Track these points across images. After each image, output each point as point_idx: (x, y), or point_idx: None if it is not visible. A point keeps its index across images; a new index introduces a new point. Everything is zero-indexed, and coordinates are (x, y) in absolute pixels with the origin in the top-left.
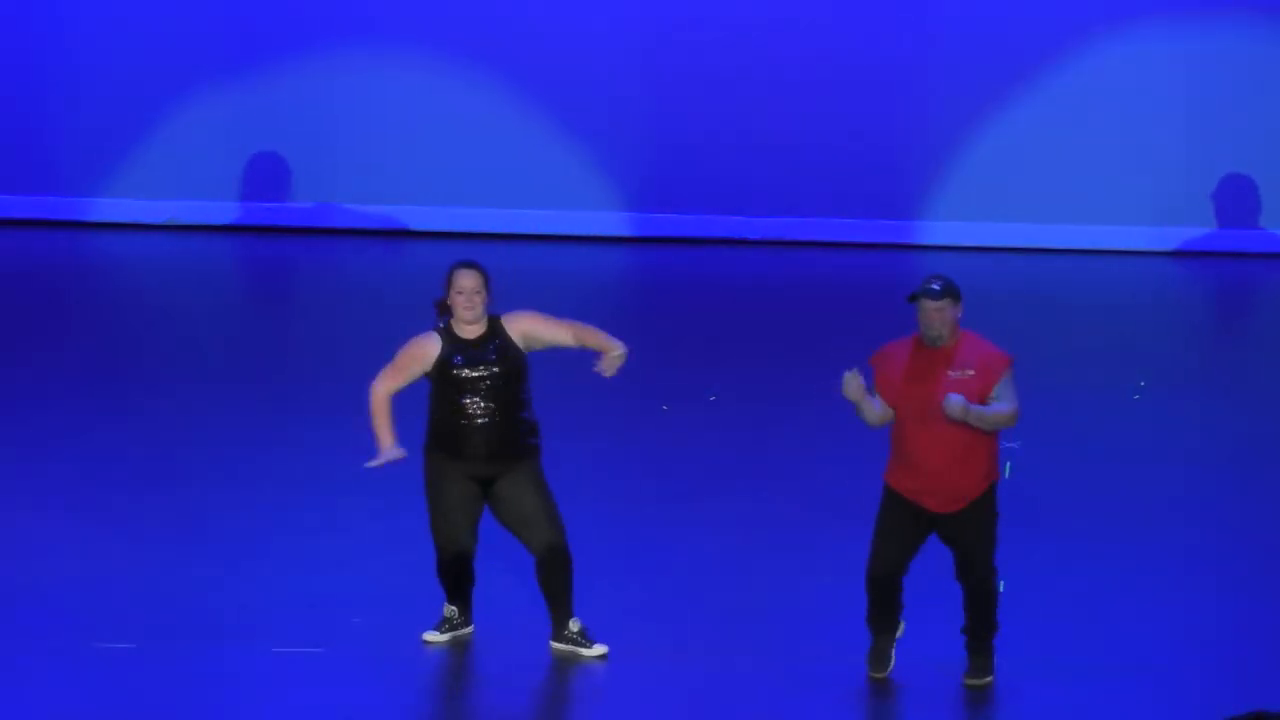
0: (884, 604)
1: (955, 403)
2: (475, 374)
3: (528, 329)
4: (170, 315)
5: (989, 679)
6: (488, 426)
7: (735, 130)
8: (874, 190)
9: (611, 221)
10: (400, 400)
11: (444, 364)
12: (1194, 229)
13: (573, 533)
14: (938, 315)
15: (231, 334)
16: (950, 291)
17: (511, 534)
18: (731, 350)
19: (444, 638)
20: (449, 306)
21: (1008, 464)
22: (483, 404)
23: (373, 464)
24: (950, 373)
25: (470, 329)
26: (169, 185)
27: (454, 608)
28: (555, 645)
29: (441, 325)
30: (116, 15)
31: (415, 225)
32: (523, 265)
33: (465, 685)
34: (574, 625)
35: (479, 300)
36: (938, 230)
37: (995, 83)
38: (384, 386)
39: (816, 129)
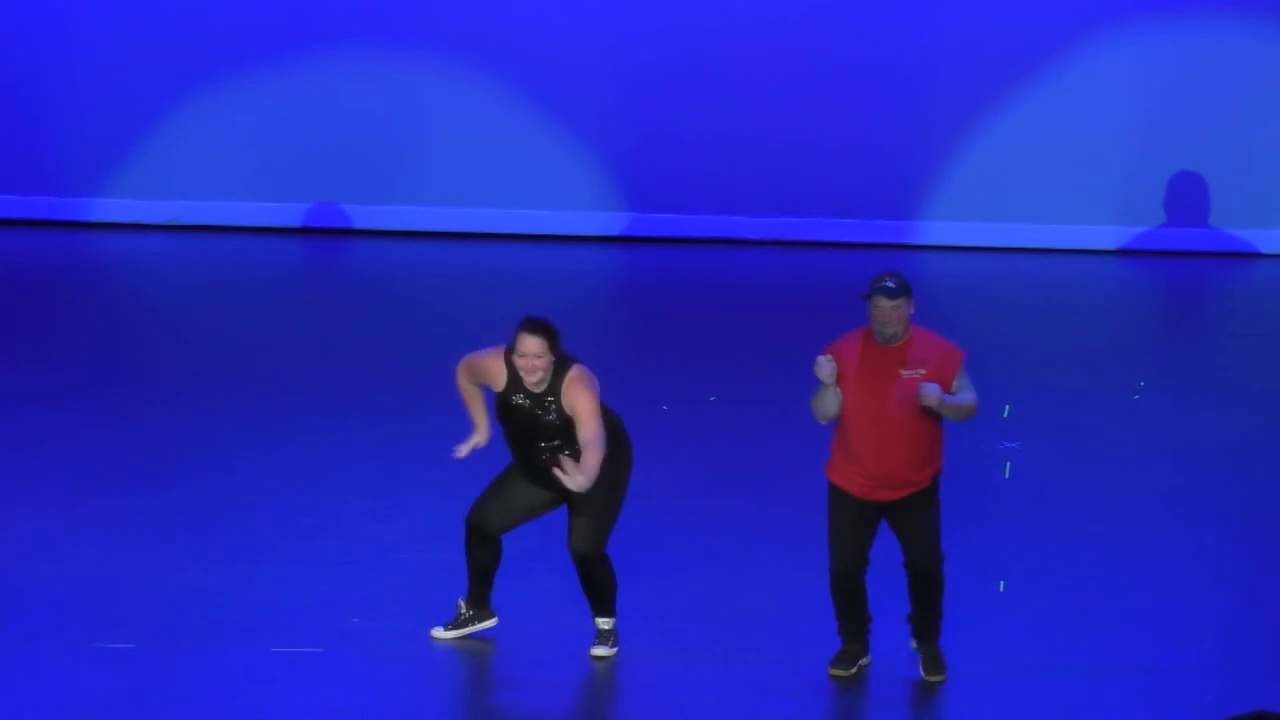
0: (849, 602)
1: (931, 392)
2: (533, 413)
3: (571, 404)
4: (169, 316)
5: (944, 675)
6: (549, 462)
7: (735, 130)
8: (872, 190)
9: (611, 221)
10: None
11: (506, 398)
12: (1193, 229)
13: None
14: (894, 313)
15: (230, 335)
16: (905, 289)
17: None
18: (731, 350)
19: (458, 633)
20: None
21: (1007, 464)
22: (542, 443)
23: (459, 451)
24: (903, 371)
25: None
26: (168, 186)
27: (466, 604)
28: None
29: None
30: (116, 16)
31: (418, 226)
32: (523, 265)
33: (465, 685)
34: (603, 624)
35: (540, 365)
36: (936, 230)
37: (994, 83)
38: (461, 375)
39: (815, 129)
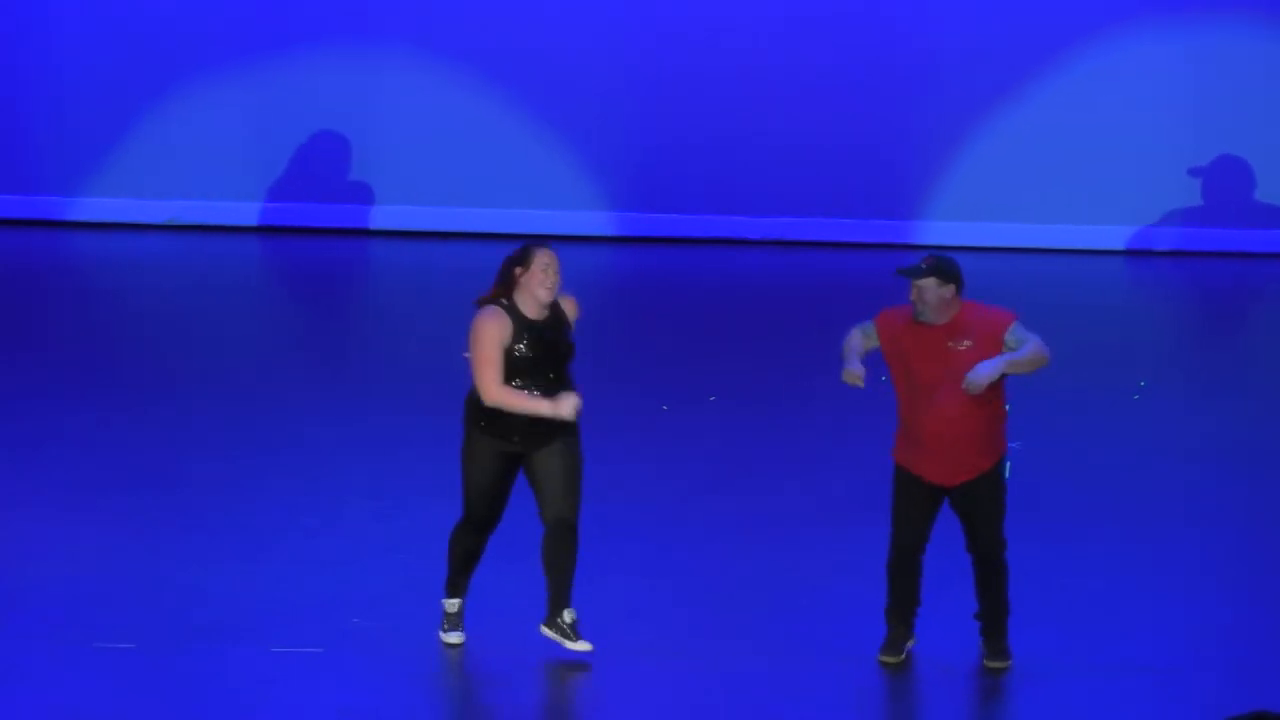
0: (904, 585)
1: (978, 378)
2: (555, 331)
3: (568, 310)
4: (168, 315)
5: (1008, 663)
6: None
7: (735, 130)
8: (872, 190)
9: (611, 221)
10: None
11: (522, 333)
12: (1191, 229)
13: None
14: (925, 294)
15: (228, 334)
16: (936, 270)
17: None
18: (731, 350)
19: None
20: (512, 285)
21: (1008, 464)
22: (552, 374)
23: (558, 411)
24: (949, 344)
25: (539, 309)
26: (158, 184)
27: (455, 601)
28: (543, 629)
29: (504, 303)
30: (102, 14)
31: (420, 226)
32: None
33: (465, 685)
34: (568, 615)
35: (557, 279)
36: (936, 230)
37: (994, 83)
38: (497, 386)
39: (816, 129)
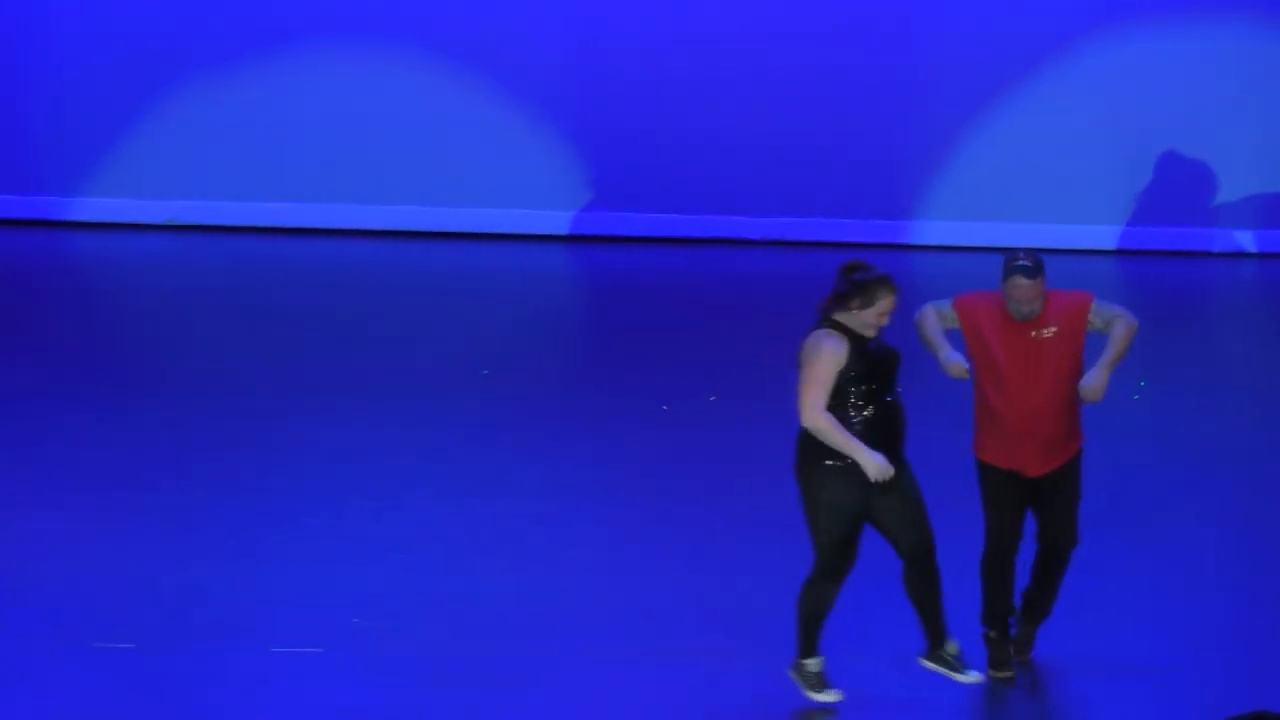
0: (1000, 586)
1: (1096, 392)
2: (864, 370)
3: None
4: (167, 315)
5: (1025, 656)
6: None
7: (735, 130)
8: (872, 190)
9: (610, 221)
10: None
11: (856, 356)
12: (1190, 228)
13: (572, 532)
14: (1033, 290)
15: (228, 334)
16: (1041, 266)
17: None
18: (731, 350)
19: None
20: (847, 309)
21: None
22: (888, 397)
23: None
24: (1033, 332)
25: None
26: (158, 184)
27: (816, 661)
28: (924, 662)
29: (840, 326)
30: (101, 13)
31: (436, 227)
32: (523, 266)
33: (465, 685)
34: (951, 647)
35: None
36: (935, 230)
37: (991, 82)
38: (820, 411)
39: (815, 129)
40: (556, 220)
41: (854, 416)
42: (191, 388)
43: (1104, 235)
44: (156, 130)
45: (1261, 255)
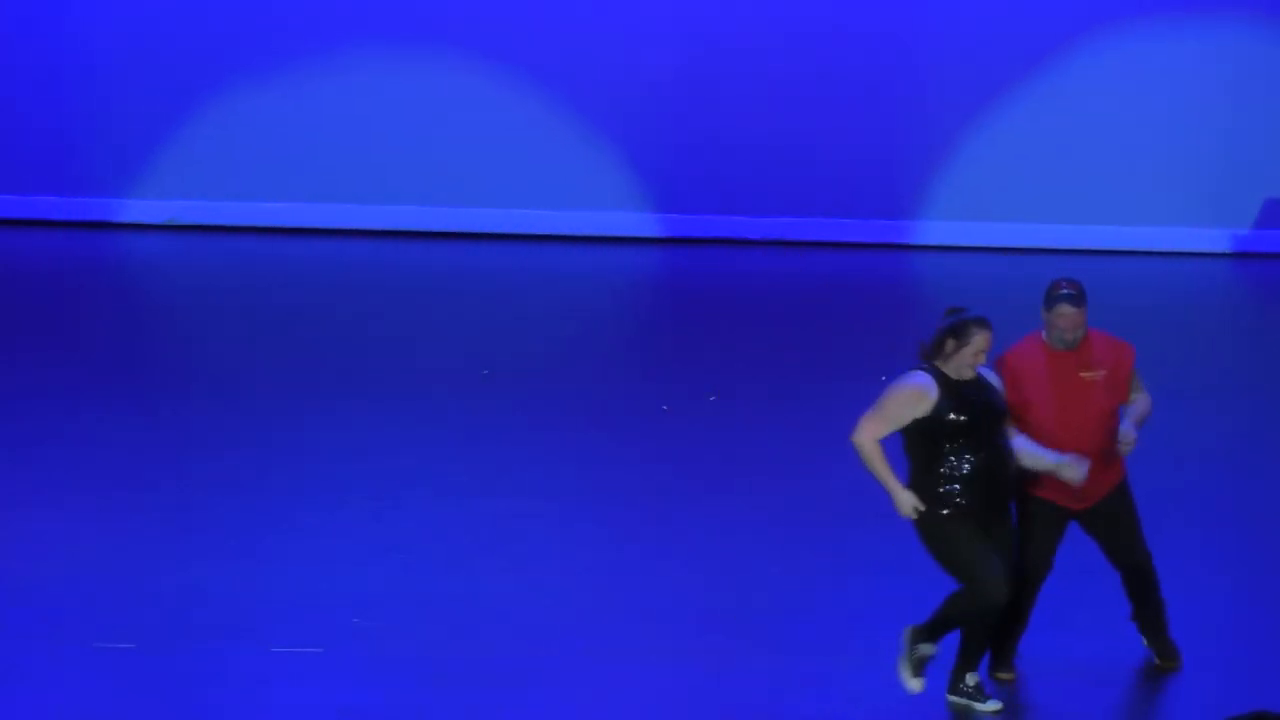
0: (1018, 620)
1: (1130, 441)
2: (971, 417)
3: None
4: (176, 316)
5: (1179, 660)
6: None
7: (735, 131)
8: (872, 190)
9: (613, 222)
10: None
11: (950, 398)
12: (1190, 229)
13: (572, 532)
14: (1078, 318)
15: (228, 334)
16: (1084, 295)
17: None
18: (731, 350)
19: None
20: (942, 351)
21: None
22: (998, 439)
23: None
24: (1083, 374)
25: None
26: (158, 184)
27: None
28: (950, 697)
29: (933, 369)
30: (105, 18)
31: (437, 227)
32: (522, 266)
33: (465, 685)
34: (971, 679)
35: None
36: (935, 230)
37: (992, 82)
38: (873, 439)
39: (816, 129)
40: (557, 220)
41: (953, 473)
42: (191, 387)
43: (1104, 235)
44: (156, 130)
45: (1262, 255)
